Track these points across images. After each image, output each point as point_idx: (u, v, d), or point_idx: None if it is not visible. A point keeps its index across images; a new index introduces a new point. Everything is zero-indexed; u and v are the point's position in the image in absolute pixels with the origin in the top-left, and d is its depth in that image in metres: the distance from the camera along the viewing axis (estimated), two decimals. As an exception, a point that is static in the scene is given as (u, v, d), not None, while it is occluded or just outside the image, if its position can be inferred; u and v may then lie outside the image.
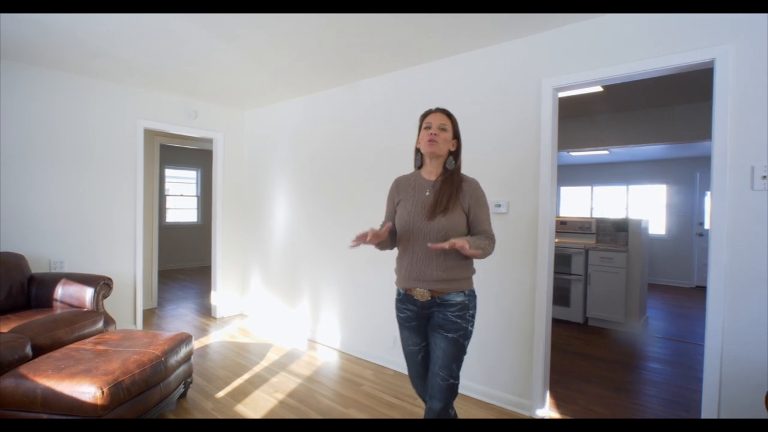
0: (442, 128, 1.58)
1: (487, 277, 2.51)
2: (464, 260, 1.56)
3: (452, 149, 1.62)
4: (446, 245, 1.37)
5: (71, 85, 3.29)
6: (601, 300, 4.12)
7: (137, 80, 3.45)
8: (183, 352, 2.36)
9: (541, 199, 2.35)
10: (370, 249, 3.17)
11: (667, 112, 4.19)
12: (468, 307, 1.55)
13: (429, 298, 1.54)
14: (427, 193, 1.60)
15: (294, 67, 3.02)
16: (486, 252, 1.49)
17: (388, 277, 3.06)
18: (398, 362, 2.99)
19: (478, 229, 1.57)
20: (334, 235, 3.48)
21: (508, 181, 2.47)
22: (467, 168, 2.64)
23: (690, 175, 6.83)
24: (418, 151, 1.68)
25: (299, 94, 3.74)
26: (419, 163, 1.69)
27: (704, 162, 6.69)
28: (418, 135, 1.65)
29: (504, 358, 2.48)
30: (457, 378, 1.54)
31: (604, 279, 4.09)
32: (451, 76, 2.75)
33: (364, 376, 2.88)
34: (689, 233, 6.80)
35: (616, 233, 4.51)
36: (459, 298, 1.54)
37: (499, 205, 2.49)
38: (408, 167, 2.98)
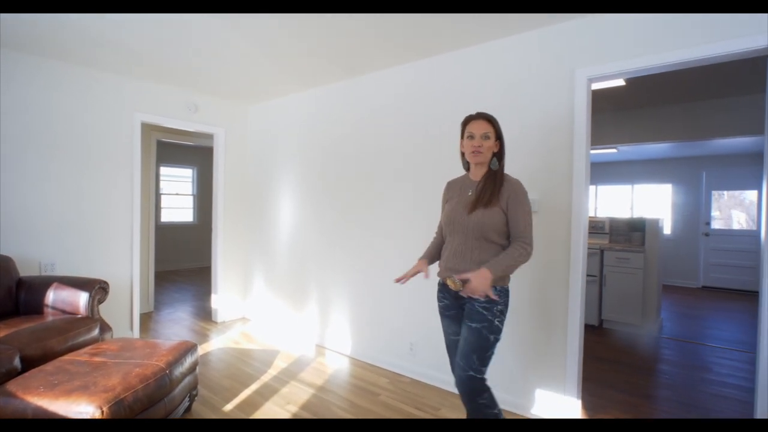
0: (485, 137, 1.63)
1: (517, 281, 2.35)
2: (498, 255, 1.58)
3: (495, 150, 1.67)
4: (474, 294, 1.44)
5: (66, 76, 3.06)
6: (617, 302, 3.99)
7: (136, 71, 3.24)
8: (188, 362, 2.17)
9: (574, 196, 2.20)
10: (382, 248, 3.03)
11: (675, 110, 4.09)
12: (496, 302, 1.54)
13: (461, 288, 1.57)
14: (470, 193, 1.69)
15: (304, 56, 2.83)
16: (515, 264, 1.52)
17: (404, 279, 2.90)
18: (415, 369, 2.82)
19: (513, 229, 1.58)
20: (344, 235, 3.30)
21: (538, 178, 2.32)
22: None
23: (696, 174, 6.76)
24: (463, 155, 1.74)
25: (308, 86, 3.55)
26: (467, 166, 1.77)
27: (711, 161, 6.63)
28: (461, 140, 1.71)
29: (534, 366, 2.33)
30: (476, 371, 1.52)
31: (620, 280, 3.97)
32: (474, 66, 2.59)
33: (380, 385, 2.71)
34: (695, 233, 6.73)
35: (630, 233, 4.39)
36: None
37: (527, 203, 2.34)
38: (425, 163, 2.84)
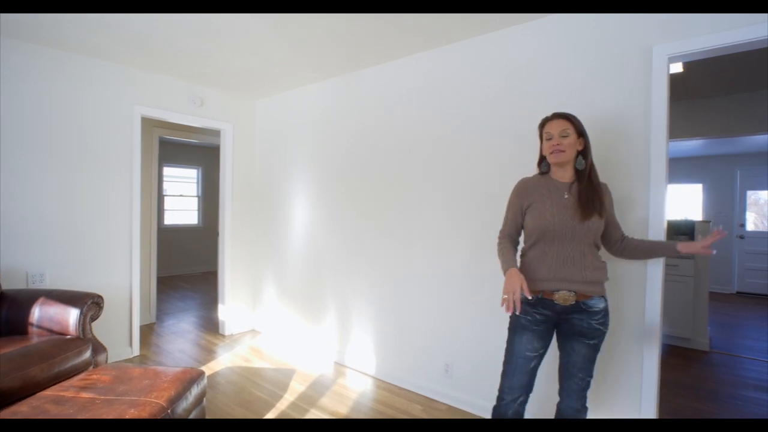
0: (563, 135, 1.56)
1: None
2: (603, 261, 1.59)
3: (579, 148, 1.59)
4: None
5: (59, 65, 2.74)
6: (666, 313, 3.62)
7: (136, 60, 2.91)
8: (194, 394, 1.84)
9: (652, 197, 1.85)
10: (410, 253, 2.68)
11: (706, 104, 3.73)
12: (608, 313, 1.58)
13: (573, 302, 1.51)
14: (566, 196, 1.57)
15: (322, 40, 2.49)
16: None
17: (436, 289, 2.55)
18: (451, 394, 2.48)
19: (616, 231, 1.68)
20: (367, 241, 2.96)
21: (605, 178, 1.97)
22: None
23: (729, 173, 6.37)
24: (543, 159, 1.65)
25: (325, 76, 3.21)
26: (546, 169, 1.66)
27: (746, 159, 6.24)
28: (541, 144, 1.64)
29: (600, 392, 1.98)
30: (593, 375, 1.59)
31: (668, 289, 3.60)
32: (521, 47, 2.24)
33: (413, 414, 2.36)
34: (729, 236, 6.34)
35: (674, 237, 4.02)
36: (602, 305, 1.54)
37: (591, 206, 1.98)
38: (461, 159, 2.50)
